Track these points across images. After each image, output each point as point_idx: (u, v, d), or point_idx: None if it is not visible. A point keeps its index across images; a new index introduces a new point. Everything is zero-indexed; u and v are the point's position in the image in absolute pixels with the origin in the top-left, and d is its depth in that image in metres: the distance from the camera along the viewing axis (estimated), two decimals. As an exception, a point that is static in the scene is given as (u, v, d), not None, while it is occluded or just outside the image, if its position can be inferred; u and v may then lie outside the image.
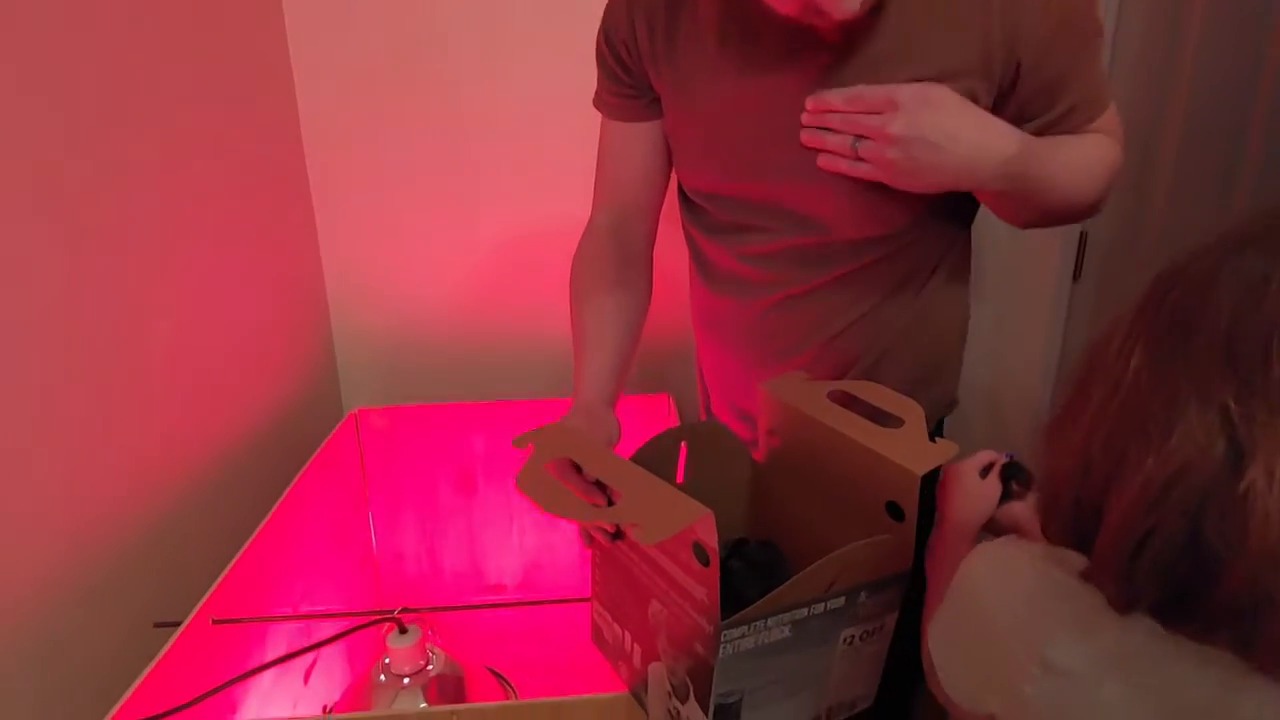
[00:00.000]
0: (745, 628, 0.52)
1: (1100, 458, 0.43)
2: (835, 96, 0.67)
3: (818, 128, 0.69)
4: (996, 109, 0.68)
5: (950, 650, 0.52)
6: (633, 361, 0.79)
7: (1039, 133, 0.68)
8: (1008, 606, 0.47)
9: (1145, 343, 0.42)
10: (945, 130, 0.64)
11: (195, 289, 0.99)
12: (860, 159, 0.67)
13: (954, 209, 0.76)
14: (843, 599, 0.56)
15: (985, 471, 0.63)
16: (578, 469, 0.59)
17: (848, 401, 0.65)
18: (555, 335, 1.36)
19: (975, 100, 0.66)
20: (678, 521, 0.47)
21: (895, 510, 0.59)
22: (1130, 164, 0.76)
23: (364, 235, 1.35)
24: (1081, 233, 1.31)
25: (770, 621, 0.53)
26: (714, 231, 0.82)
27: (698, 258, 0.87)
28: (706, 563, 0.51)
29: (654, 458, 0.66)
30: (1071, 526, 0.45)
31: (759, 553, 0.69)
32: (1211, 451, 0.38)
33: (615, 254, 0.83)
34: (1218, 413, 0.39)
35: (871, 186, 0.69)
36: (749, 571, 0.67)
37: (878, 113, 0.65)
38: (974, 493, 0.62)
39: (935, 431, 0.81)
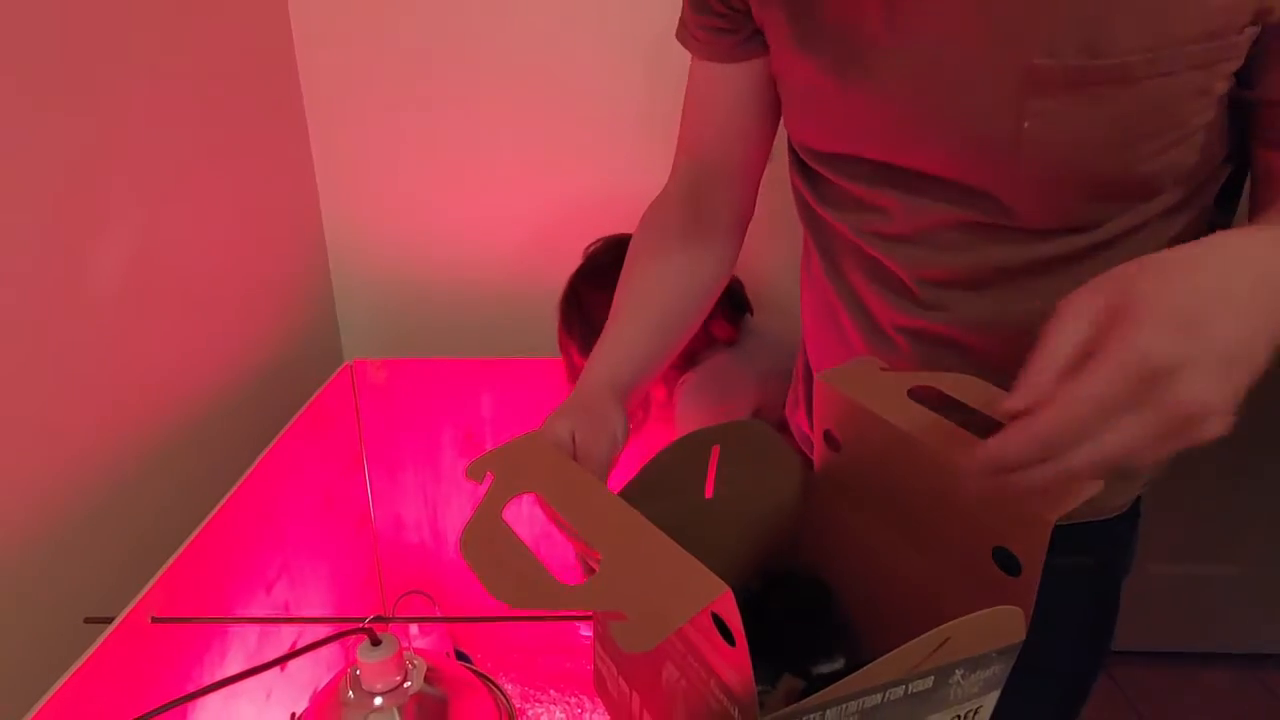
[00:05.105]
0: (794, 724, 0.38)
1: None
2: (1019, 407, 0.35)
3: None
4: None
5: None
6: (676, 346, 0.62)
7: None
8: None
9: None
10: (1226, 328, 0.34)
11: (157, 215, 0.86)
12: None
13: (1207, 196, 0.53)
14: (930, 680, 0.41)
15: None
16: None
17: (938, 400, 0.49)
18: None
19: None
20: (681, 609, 0.32)
21: (1004, 558, 0.44)
22: None
23: (365, 172, 1.21)
24: None
25: (830, 714, 0.39)
26: (834, 204, 0.62)
27: (813, 230, 0.67)
28: (732, 642, 0.36)
29: (678, 465, 0.51)
30: None
31: (803, 592, 0.54)
32: None
33: (685, 217, 0.66)
34: None
35: (1095, 153, 0.48)
36: (789, 615, 0.53)
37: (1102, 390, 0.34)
38: None
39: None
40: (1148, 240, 0.52)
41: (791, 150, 0.65)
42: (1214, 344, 0.34)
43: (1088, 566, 0.63)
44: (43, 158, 0.69)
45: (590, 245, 1.06)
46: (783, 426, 0.84)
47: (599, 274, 1.02)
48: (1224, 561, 1.57)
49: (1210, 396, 0.33)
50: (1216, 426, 0.34)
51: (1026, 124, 0.48)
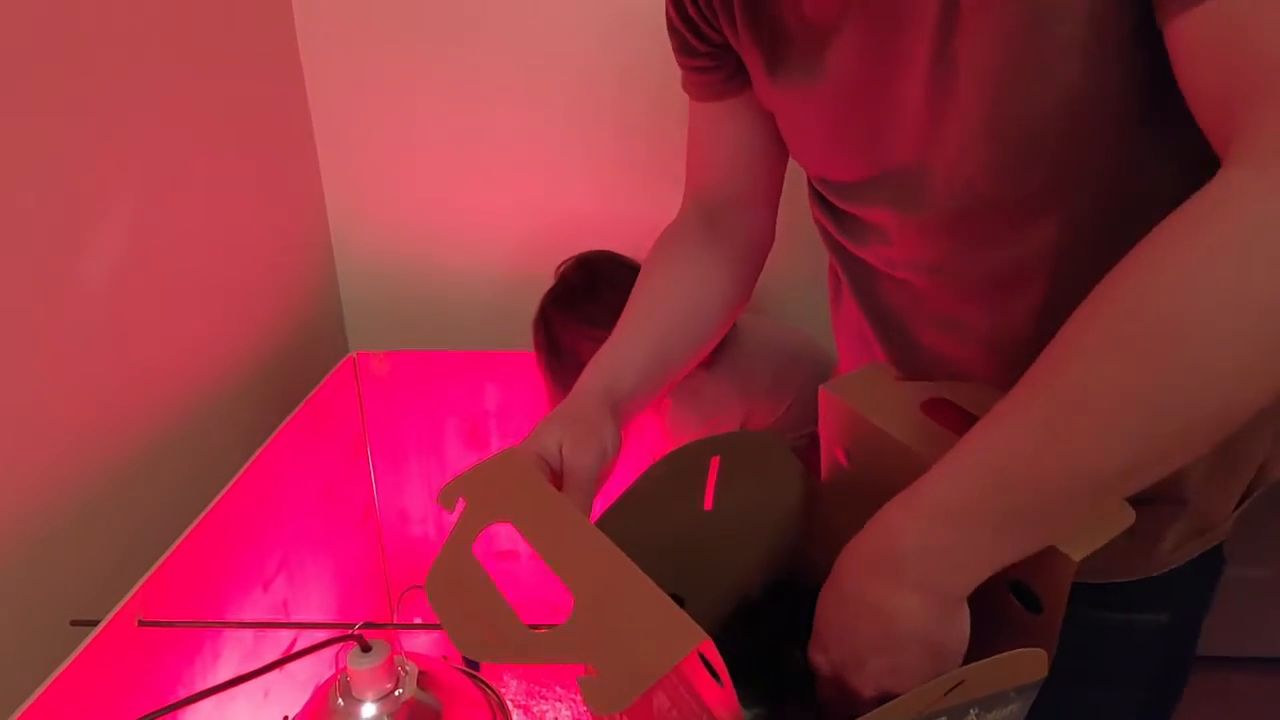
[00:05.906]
0: (791, 767, 0.35)
1: None
2: None
3: None
4: None
5: None
6: (684, 362, 0.59)
7: None
8: None
9: None
10: (862, 631, 0.42)
11: (161, 208, 0.84)
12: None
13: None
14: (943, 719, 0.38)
15: None
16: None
17: (951, 415, 0.46)
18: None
19: None
20: (655, 664, 0.29)
21: (1023, 593, 0.40)
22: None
23: (370, 165, 1.19)
24: None
25: (830, 758, 0.36)
26: (852, 234, 0.59)
27: (841, 261, 0.64)
28: (720, 682, 0.33)
29: (675, 477, 0.48)
30: None
31: (805, 604, 0.51)
32: None
33: (698, 236, 0.64)
34: None
35: (1025, 86, 0.42)
36: (791, 628, 0.49)
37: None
38: None
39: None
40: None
41: (810, 184, 0.62)
42: (853, 648, 0.42)
43: (1164, 622, 0.61)
44: (47, 154, 0.68)
45: (561, 264, 1.03)
46: (815, 440, 0.81)
47: (569, 296, 0.99)
48: (1253, 564, 1.52)
49: (871, 681, 0.41)
50: (903, 683, 0.41)
51: (961, 70, 0.43)
